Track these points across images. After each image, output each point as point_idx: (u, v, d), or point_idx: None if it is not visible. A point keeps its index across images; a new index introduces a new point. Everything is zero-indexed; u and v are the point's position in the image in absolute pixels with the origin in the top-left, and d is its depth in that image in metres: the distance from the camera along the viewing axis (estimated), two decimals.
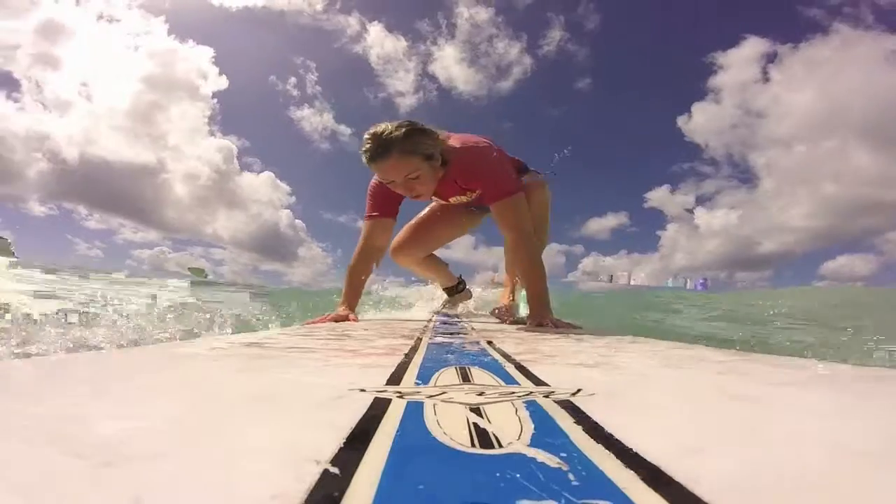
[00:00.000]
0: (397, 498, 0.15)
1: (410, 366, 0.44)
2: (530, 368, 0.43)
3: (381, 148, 1.13)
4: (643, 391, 0.35)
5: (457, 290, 2.08)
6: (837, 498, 0.16)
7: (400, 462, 0.18)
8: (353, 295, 1.41)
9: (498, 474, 0.17)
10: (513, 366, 0.45)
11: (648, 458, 0.18)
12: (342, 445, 0.20)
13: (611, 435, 0.21)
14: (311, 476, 0.16)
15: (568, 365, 0.47)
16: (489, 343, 0.68)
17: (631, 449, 0.20)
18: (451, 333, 0.91)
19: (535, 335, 0.87)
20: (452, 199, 1.49)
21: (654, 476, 0.17)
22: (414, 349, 0.59)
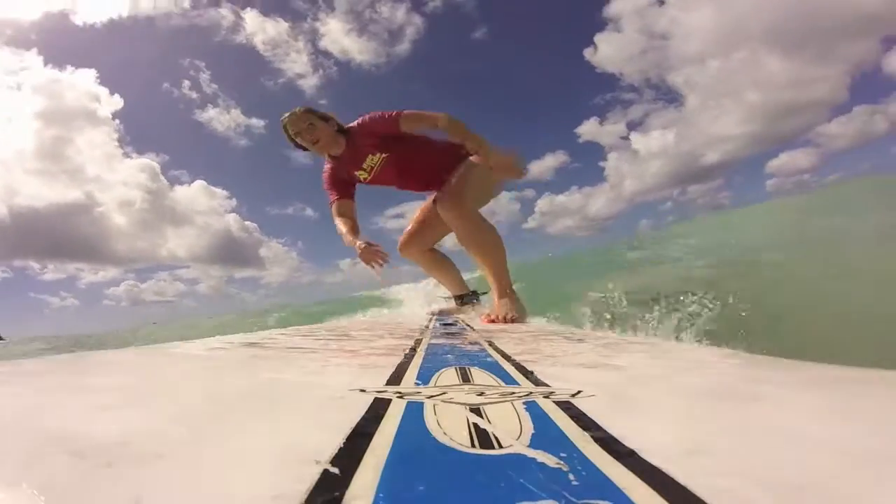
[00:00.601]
0: (397, 498, 0.15)
1: (410, 366, 0.44)
2: (530, 369, 0.43)
3: (290, 113, 1.68)
4: (643, 392, 0.35)
5: (464, 301, 2.06)
6: (838, 498, 0.16)
7: (400, 462, 0.18)
8: (353, 231, 1.71)
9: (498, 474, 0.17)
10: (513, 366, 0.45)
11: (648, 459, 0.18)
12: (342, 445, 0.20)
13: (611, 435, 0.21)
14: (311, 476, 0.16)
15: (568, 365, 0.47)
16: (489, 343, 0.68)
17: (631, 449, 0.20)
18: (451, 334, 0.91)
19: (535, 335, 0.87)
20: (369, 160, 1.69)
21: (654, 476, 0.17)
22: (414, 349, 0.59)
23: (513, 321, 1.41)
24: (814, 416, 0.28)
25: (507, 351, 0.58)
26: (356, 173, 1.74)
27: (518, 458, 0.19)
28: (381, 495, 0.15)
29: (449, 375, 0.39)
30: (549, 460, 0.18)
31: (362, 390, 0.31)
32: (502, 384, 0.35)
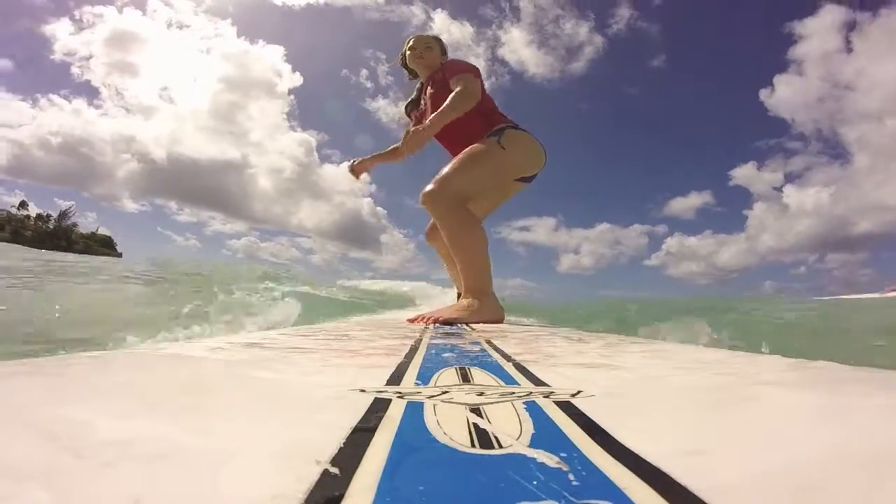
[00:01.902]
0: (397, 498, 0.15)
1: (410, 366, 0.44)
2: (530, 369, 0.43)
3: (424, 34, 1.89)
4: (643, 392, 0.35)
5: None
6: (837, 498, 0.16)
7: (400, 462, 0.18)
8: (387, 151, 2.03)
9: (498, 474, 0.17)
10: (513, 366, 0.45)
11: (648, 459, 0.18)
12: (342, 445, 0.20)
13: (611, 435, 0.21)
14: (311, 476, 0.16)
15: (568, 365, 0.47)
16: (489, 343, 0.68)
17: (631, 449, 0.20)
18: (451, 334, 0.91)
19: (535, 335, 0.87)
20: (429, 92, 1.81)
21: (654, 476, 0.17)
22: (414, 349, 0.59)
23: (446, 322, 1.30)
24: (814, 416, 0.28)
25: (507, 351, 0.58)
26: (421, 101, 1.90)
27: (518, 458, 0.19)
28: (381, 495, 0.15)
29: (449, 375, 0.39)
30: (549, 460, 0.18)
31: (362, 390, 0.31)
32: (502, 384, 0.35)
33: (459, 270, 1.56)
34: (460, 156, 1.62)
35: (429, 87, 1.83)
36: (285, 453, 0.19)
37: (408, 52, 1.91)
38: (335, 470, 0.17)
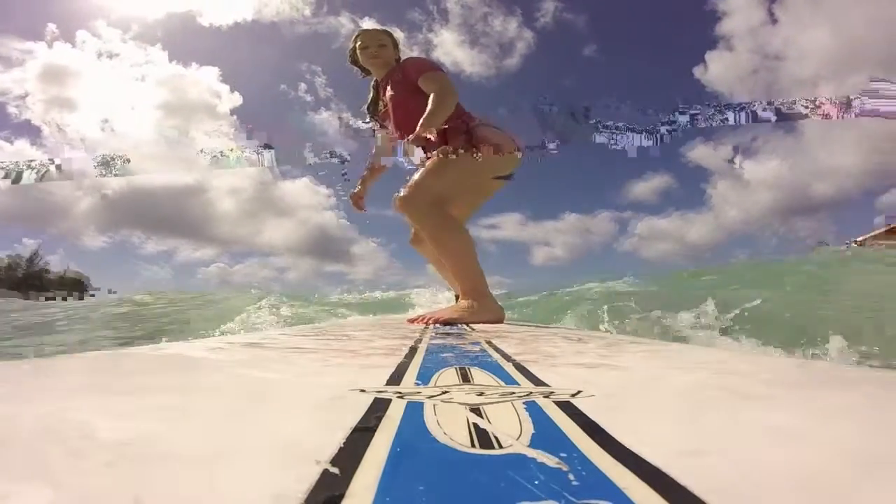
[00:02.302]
0: (397, 498, 0.15)
1: (410, 366, 0.44)
2: (530, 369, 0.43)
3: (372, 28, 1.83)
4: (643, 392, 0.35)
5: None
6: (838, 498, 0.16)
7: (400, 462, 0.18)
8: (367, 177, 1.98)
9: (498, 474, 0.17)
10: (513, 366, 0.45)
11: (648, 459, 0.18)
12: (342, 445, 0.20)
13: (611, 435, 0.21)
14: (311, 476, 0.16)
15: (568, 366, 0.47)
16: (489, 343, 0.68)
17: (631, 449, 0.20)
18: (451, 334, 0.91)
19: (535, 335, 0.87)
20: (388, 94, 1.74)
21: (654, 476, 0.17)
22: (414, 350, 0.59)
23: (446, 323, 1.30)
24: (814, 416, 0.28)
25: (507, 351, 0.58)
26: (380, 102, 1.82)
27: (518, 458, 0.19)
28: (381, 495, 0.15)
29: (449, 375, 0.39)
30: (549, 460, 0.18)
31: (362, 390, 0.31)
32: (502, 384, 0.35)
33: (452, 274, 1.55)
34: (433, 158, 1.58)
35: (388, 88, 1.75)
36: (285, 453, 0.19)
37: (359, 51, 1.78)
38: (335, 470, 0.17)
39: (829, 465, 0.19)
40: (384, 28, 1.82)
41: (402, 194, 1.53)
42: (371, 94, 1.90)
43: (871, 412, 0.29)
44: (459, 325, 1.26)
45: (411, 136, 1.44)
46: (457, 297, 1.95)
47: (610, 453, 0.19)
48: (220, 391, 0.34)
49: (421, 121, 1.44)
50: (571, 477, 0.17)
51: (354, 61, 1.85)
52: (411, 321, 1.34)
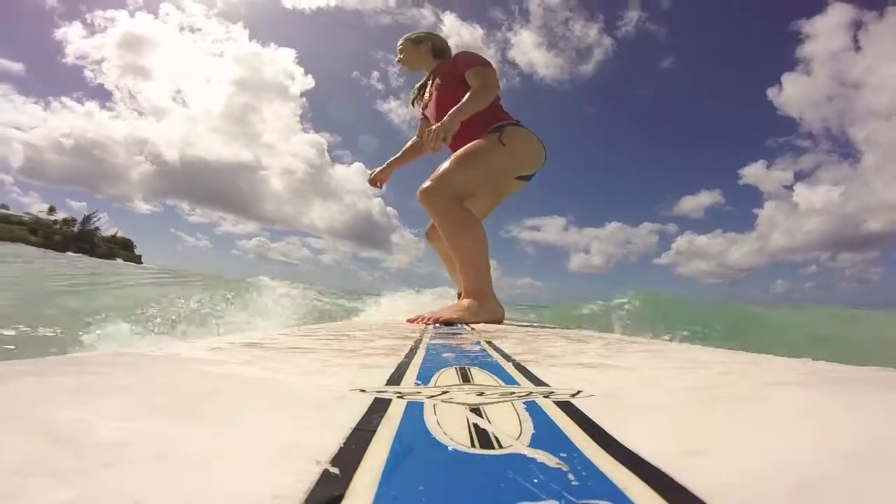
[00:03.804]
0: (397, 498, 0.15)
1: (410, 366, 0.44)
2: (530, 369, 0.43)
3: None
4: (643, 392, 0.35)
5: None
6: (838, 498, 0.16)
7: (400, 462, 0.18)
8: (395, 159, 2.09)
9: (498, 474, 0.17)
10: (513, 366, 0.45)
11: (648, 459, 0.18)
12: (342, 445, 0.20)
13: (610, 435, 0.21)
14: (311, 476, 0.16)
15: (568, 365, 0.47)
16: (489, 343, 0.68)
17: (631, 449, 0.20)
18: (451, 334, 0.91)
19: (535, 335, 0.87)
20: (434, 83, 1.83)
21: (653, 476, 0.17)
22: (414, 350, 0.59)
23: (446, 323, 1.30)
24: (814, 415, 0.28)
25: (507, 351, 0.58)
26: (426, 93, 1.92)
27: (518, 458, 0.19)
28: (381, 495, 0.15)
29: (449, 375, 0.39)
30: (549, 460, 0.18)
31: (362, 390, 0.31)
32: (502, 384, 0.35)
33: (458, 270, 1.54)
34: (459, 152, 1.59)
35: (436, 79, 1.82)
36: (285, 453, 0.19)
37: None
38: (335, 470, 0.17)
39: (829, 465, 0.19)
40: (416, 33, 1.96)
41: (424, 186, 1.54)
42: (419, 84, 1.99)
43: (871, 412, 0.29)
44: (459, 325, 1.26)
45: (436, 125, 1.45)
46: (458, 296, 1.95)
47: (610, 453, 0.19)
48: (220, 391, 0.34)
49: (451, 111, 1.47)
50: (571, 477, 0.17)
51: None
52: (411, 321, 1.34)
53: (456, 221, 1.52)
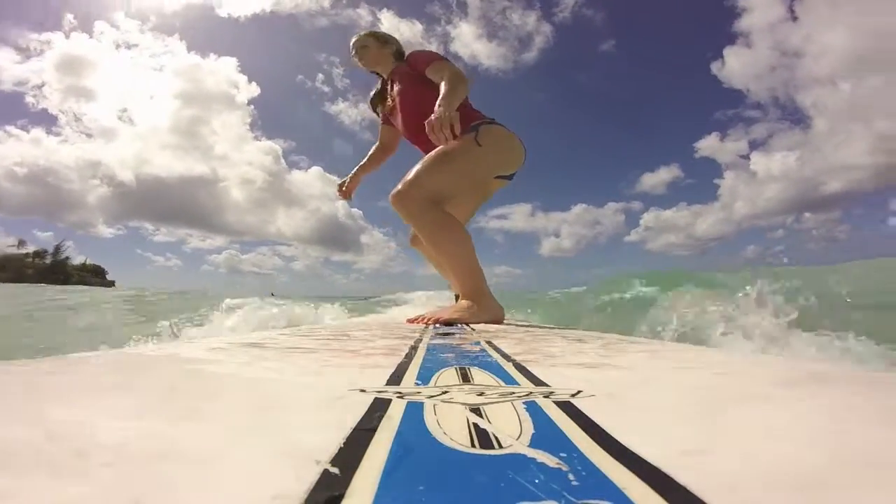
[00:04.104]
0: (397, 498, 0.15)
1: (410, 366, 0.44)
2: (530, 369, 0.43)
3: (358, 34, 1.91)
4: (643, 392, 0.35)
5: None
6: (838, 498, 0.16)
7: (400, 462, 0.18)
8: (360, 168, 2.06)
9: (498, 474, 0.17)
10: (513, 366, 0.45)
11: (648, 459, 0.18)
12: (342, 445, 0.20)
13: (611, 435, 0.22)
14: (311, 476, 0.16)
15: (568, 365, 0.47)
16: (489, 343, 0.68)
17: (631, 449, 0.20)
18: (451, 334, 0.91)
19: (535, 335, 0.87)
20: (395, 89, 1.78)
21: (653, 476, 0.17)
22: (414, 350, 0.59)
23: (446, 323, 1.29)
24: (814, 416, 0.28)
25: (507, 351, 0.58)
26: (387, 98, 1.87)
27: (518, 458, 0.19)
28: (381, 495, 0.15)
29: (449, 375, 0.39)
30: (549, 460, 0.18)
31: (362, 390, 0.31)
32: (502, 384, 0.35)
33: (452, 274, 1.53)
34: (432, 153, 1.52)
35: (395, 83, 1.78)
36: (285, 453, 0.19)
37: (355, 59, 1.89)
38: (335, 470, 0.17)
39: (829, 465, 0.19)
40: (370, 31, 1.89)
41: (396, 190, 1.49)
42: (376, 88, 1.94)
43: (872, 412, 0.29)
44: (459, 325, 1.26)
45: (434, 116, 1.38)
46: (457, 297, 1.93)
47: (610, 453, 0.19)
48: (220, 391, 0.34)
49: (439, 101, 1.41)
50: (571, 477, 0.17)
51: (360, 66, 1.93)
52: (411, 321, 1.34)
53: (434, 225, 1.47)
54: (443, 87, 1.47)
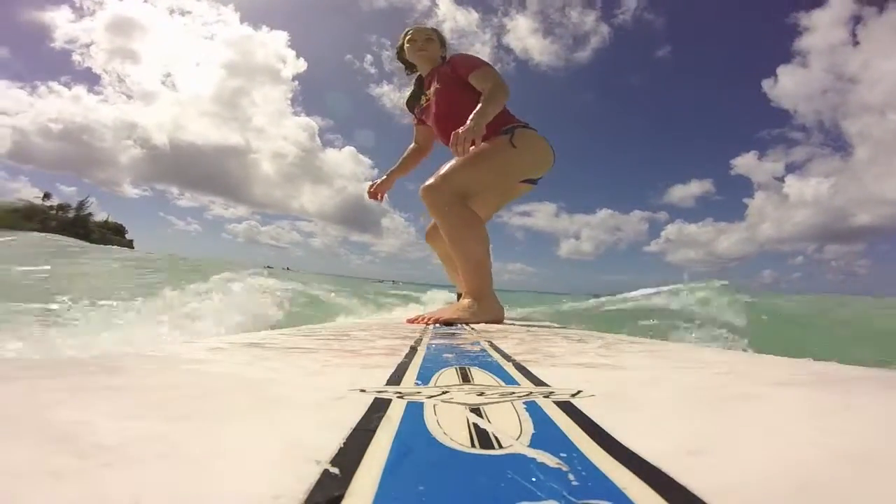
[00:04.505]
0: (397, 498, 0.15)
1: (410, 366, 0.44)
2: (530, 369, 0.43)
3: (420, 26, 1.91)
4: (643, 392, 0.35)
5: None
6: (838, 498, 0.16)
7: (400, 462, 0.18)
8: (395, 169, 2.08)
9: (498, 474, 0.17)
10: (513, 366, 0.45)
11: (648, 459, 0.18)
12: (342, 445, 0.20)
13: (611, 435, 0.21)
14: (311, 476, 0.16)
15: (568, 365, 0.47)
16: (489, 343, 0.68)
17: (631, 449, 0.20)
18: (451, 334, 0.91)
19: (535, 335, 0.87)
20: (432, 88, 1.78)
21: (653, 476, 0.17)
22: (414, 350, 0.59)
23: (446, 323, 1.30)
24: (814, 415, 0.28)
25: (507, 351, 0.58)
26: (422, 96, 1.85)
27: (518, 458, 0.19)
28: (381, 495, 0.15)
29: (449, 375, 0.39)
30: (549, 460, 0.18)
31: (362, 390, 0.31)
32: (502, 384, 0.35)
33: (459, 270, 1.53)
34: (467, 156, 1.53)
35: (433, 83, 1.77)
36: (285, 453, 0.19)
37: (407, 45, 1.84)
38: (335, 470, 0.17)
39: (829, 465, 0.19)
40: (433, 27, 1.89)
41: (428, 183, 1.52)
42: (413, 89, 1.93)
43: (871, 412, 0.29)
44: (460, 325, 1.26)
45: (462, 128, 1.40)
46: (458, 297, 1.93)
47: (610, 453, 0.19)
48: (220, 391, 0.34)
49: (473, 114, 1.43)
50: (571, 477, 0.17)
51: (401, 58, 1.91)
52: (411, 321, 1.34)
53: (459, 220, 1.50)
54: (483, 98, 1.49)
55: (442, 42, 1.87)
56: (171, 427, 0.23)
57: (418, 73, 1.90)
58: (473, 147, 1.40)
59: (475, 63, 1.65)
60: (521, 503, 0.15)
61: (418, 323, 1.29)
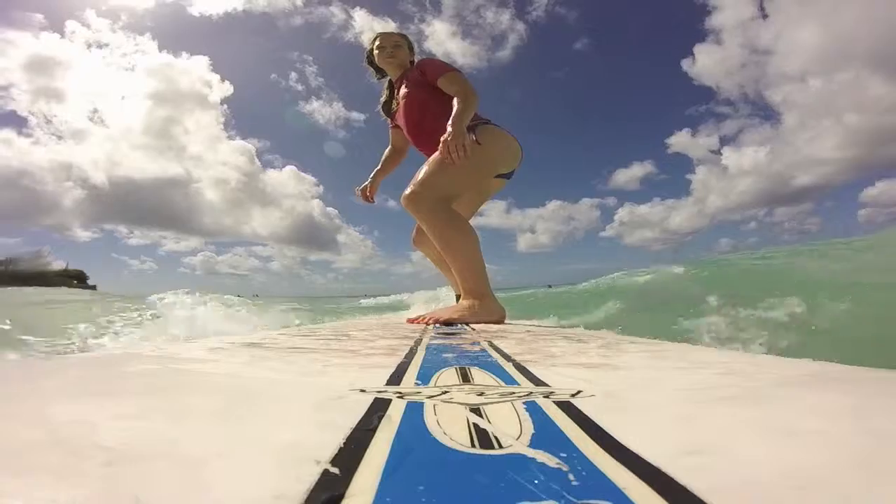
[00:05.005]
0: (397, 498, 0.15)
1: (410, 366, 0.44)
2: (530, 369, 0.43)
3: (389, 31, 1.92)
4: (643, 392, 0.35)
5: None
6: (838, 498, 0.16)
7: (400, 462, 0.18)
8: (377, 173, 2.10)
9: (498, 474, 0.17)
10: (513, 366, 0.45)
11: (648, 459, 0.18)
12: (342, 445, 0.20)
13: (611, 435, 0.21)
14: (311, 476, 0.16)
15: (568, 365, 0.47)
16: (489, 343, 0.68)
17: (631, 449, 0.20)
18: (451, 334, 0.91)
19: (535, 335, 0.87)
20: (402, 92, 1.81)
21: (653, 476, 0.17)
22: (414, 350, 0.59)
23: (446, 323, 1.30)
24: (814, 415, 0.28)
25: (507, 351, 0.58)
26: (393, 101, 1.89)
27: (518, 458, 0.19)
28: (381, 495, 0.15)
29: (449, 375, 0.39)
30: (549, 460, 0.18)
31: (362, 390, 0.31)
32: (502, 384, 0.35)
33: (455, 273, 1.54)
34: (437, 155, 1.55)
35: (402, 87, 1.80)
36: (285, 453, 0.19)
37: (376, 52, 1.88)
38: (335, 470, 0.17)
39: (830, 465, 0.19)
40: (401, 32, 1.92)
41: (408, 191, 1.53)
42: (385, 94, 1.96)
43: (871, 412, 0.29)
44: (459, 325, 1.26)
45: (450, 137, 1.42)
46: (457, 298, 1.93)
47: (610, 453, 0.19)
48: (220, 391, 0.34)
49: (451, 120, 1.46)
50: (571, 477, 0.17)
51: (371, 62, 1.94)
52: (411, 321, 1.34)
53: (444, 223, 1.52)
54: (456, 104, 1.51)
55: (410, 48, 1.91)
56: (172, 427, 0.23)
57: (388, 78, 1.94)
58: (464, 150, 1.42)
59: (443, 68, 1.68)
60: (521, 503, 0.15)
61: (418, 323, 1.29)
